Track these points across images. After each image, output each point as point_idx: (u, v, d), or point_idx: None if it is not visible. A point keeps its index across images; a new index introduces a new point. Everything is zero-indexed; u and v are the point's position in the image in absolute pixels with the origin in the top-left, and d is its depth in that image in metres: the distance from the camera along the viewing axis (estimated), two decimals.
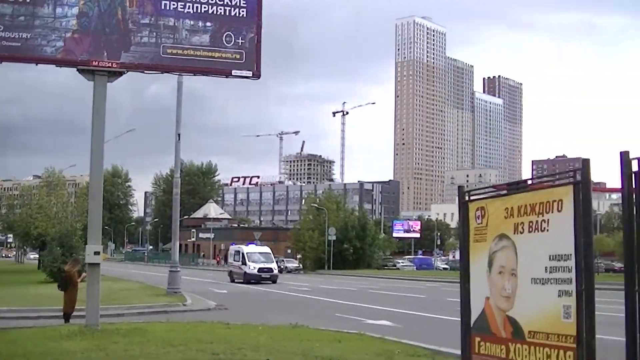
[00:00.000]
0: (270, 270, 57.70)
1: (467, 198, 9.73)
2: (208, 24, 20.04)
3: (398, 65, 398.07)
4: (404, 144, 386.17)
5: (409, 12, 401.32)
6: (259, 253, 59.93)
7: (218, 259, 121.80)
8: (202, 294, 37.29)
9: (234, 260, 61.28)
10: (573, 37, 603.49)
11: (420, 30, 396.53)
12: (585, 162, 7.66)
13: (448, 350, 14.92)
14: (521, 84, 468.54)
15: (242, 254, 59.00)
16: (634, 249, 6.93)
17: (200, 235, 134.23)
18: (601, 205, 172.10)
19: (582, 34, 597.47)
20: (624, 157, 7.06)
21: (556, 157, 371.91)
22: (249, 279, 55.94)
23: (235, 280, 57.92)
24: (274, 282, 56.11)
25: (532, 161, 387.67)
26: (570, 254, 7.53)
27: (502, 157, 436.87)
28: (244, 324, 20.72)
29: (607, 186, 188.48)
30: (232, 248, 65.44)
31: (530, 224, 8.18)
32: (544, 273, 7.86)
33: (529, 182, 9.35)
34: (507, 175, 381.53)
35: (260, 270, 56.92)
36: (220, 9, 20.04)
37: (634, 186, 6.98)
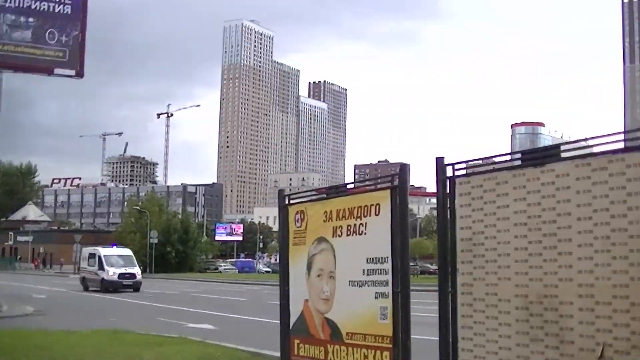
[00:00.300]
0: (132, 275, 49.95)
1: (287, 202, 9.77)
2: (30, 19, 19.35)
3: (225, 68, 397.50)
4: (228, 146, 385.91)
5: (238, 15, 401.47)
6: (118, 256, 52.52)
7: (36, 262, 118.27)
8: (20, 299, 36.03)
9: (89, 265, 51.80)
10: (396, 45, 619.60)
11: (248, 34, 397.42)
12: (403, 167, 7.84)
13: (268, 352, 14.96)
14: (346, 89, 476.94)
15: (99, 257, 50.21)
16: (448, 251, 7.13)
17: (18, 238, 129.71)
18: (421, 209, 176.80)
19: (404, 42, 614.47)
20: (439, 163, 7.26)
21: (378, 161, 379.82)
22: (107, 287, 48.09)
23: (90, 289, 49.88)
24: (137, 289, 48.87)
25: (355, 165, 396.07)
26: (387, 257, 7.67)
27: (325, 161, 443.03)
28: (64, 330, 20.10)
29: (428, 190, 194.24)
30: (86, 250, 55.32)
31: (349, 228, 8.30)
32: (362, 275, 7.98)
33: (349, 186, 9.49)
34: (330, 179, 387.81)
35: (121, 276, 49.02)
36: (44, 4, 19.39)
37: (448, 191, 7.19)
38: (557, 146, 6.46)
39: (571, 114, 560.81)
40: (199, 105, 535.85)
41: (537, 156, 6.52)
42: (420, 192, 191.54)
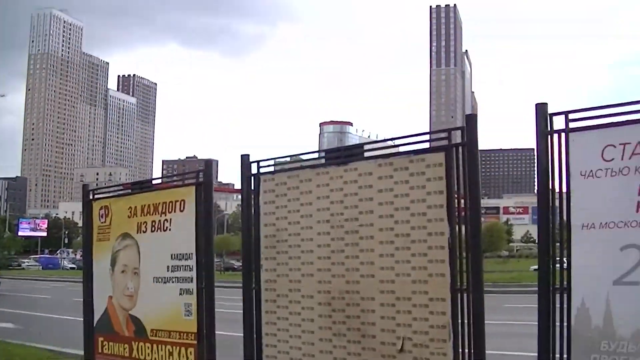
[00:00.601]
0: None
1: (91, 197, 9.61)
2: None
3: (31, 57, 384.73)
4: (33, 139, 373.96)
5: (47, 3, 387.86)
6: None
7: None
8: None
9: None
10: (208, 42, 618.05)
11: (57, 23, 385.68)
12: (208, 163, 7.85)
13: (72, 351, 14.69)
14: (156, 84, 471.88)
15: None
16: (252, 248, 7.16)
17: None
18: (229, 205, 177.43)
19: (217, 38, 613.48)
20: (244, 160, 7.27)
21: (187, 157, 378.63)
22: None
23: None
24: None
25: (163, 161, 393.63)
26: (192, 253, 7.67)
27: (133, 156, 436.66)
28: None
29: (237, 187, 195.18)
30: None
31: (153, 224, 8.24)
32: (166, 272, 7.96)
33: (154, 182, 9.41)
34: (138, 174, 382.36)
35: None
36: None
37: (252, 188, 7.22)
38: (361, 145, 6.60)
39: (381, 115, 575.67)
40: (3, 95, 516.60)
41: (341, 155, 6.63)
42: (227, 189, 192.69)
